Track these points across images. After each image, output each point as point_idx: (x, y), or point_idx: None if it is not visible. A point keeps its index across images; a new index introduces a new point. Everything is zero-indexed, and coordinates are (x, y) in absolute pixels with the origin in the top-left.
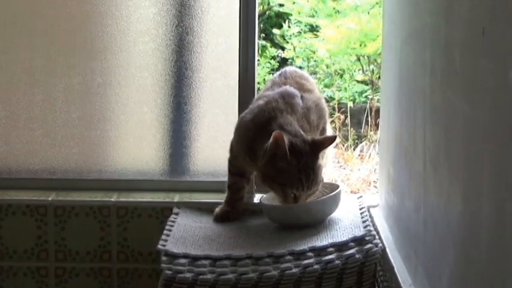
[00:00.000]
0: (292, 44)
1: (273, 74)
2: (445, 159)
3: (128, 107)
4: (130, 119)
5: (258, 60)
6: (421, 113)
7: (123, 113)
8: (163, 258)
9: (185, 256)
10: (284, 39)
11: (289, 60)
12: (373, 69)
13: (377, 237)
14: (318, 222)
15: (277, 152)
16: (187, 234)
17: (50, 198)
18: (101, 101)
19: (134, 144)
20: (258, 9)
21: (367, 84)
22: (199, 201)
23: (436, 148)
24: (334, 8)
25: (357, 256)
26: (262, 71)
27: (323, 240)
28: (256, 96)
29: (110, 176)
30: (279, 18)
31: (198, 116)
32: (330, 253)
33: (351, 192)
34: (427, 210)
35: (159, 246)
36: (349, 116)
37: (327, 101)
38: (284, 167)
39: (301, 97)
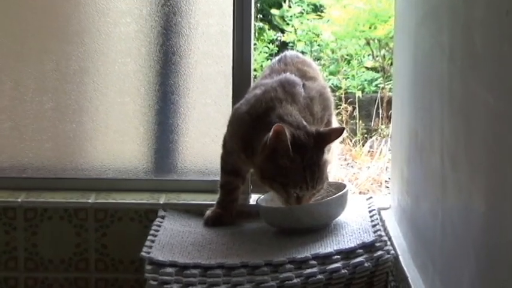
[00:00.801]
0: (293, 26)
1: (271, 59)
2: (465, 155)
3: (107, 97)
4: (110, 111)
5: (255, 44)
6: (439, 103)
7: (102, 103)
8: (148, 267)
9: (172, 265)
10: (284, 20)
11: (290, 44)
12: (384, 55)
13: (389, 243)
14: (322, 226)
15: (278, 146)
16: (174, 240)
17: (19, 200)
18: (77, 90)
19: (115, 139)
20: None
21: (377, 72)
22: (188, 203)
23: (455, 143)
24: None
25: (366, 264)
26: (259, 57)
27: (328, 246)
28: (252, 84)
29: (87, 174)
30: None
31: (187, 106)
32: (336, 261)
33: (360, 193)
34: (446, 213)
35: (143, 254)
36: (357, 108)
37: (333, 91)
38: (286, 163)
39: (303, 86)
